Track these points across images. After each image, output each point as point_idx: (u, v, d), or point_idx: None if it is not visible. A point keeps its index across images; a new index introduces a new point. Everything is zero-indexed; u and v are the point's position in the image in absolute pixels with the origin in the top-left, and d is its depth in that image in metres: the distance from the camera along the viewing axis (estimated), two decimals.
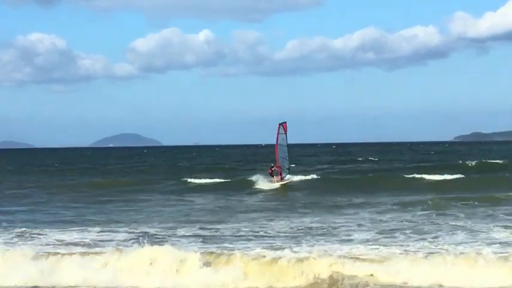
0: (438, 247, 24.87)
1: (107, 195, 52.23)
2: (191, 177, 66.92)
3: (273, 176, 56.61)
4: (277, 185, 55.67)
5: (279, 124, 57.60)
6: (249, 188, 55.79)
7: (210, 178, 67.55)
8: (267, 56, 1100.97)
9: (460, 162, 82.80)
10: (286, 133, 57.51)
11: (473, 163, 78.82)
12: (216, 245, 26.78)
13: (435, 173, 61.94)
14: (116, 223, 34.79)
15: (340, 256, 22.30)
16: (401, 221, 33.29)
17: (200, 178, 66.91)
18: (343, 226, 31.76)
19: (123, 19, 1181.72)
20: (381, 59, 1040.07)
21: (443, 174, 61.54)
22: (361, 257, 22.30)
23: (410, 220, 33.79)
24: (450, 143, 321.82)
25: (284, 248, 24.47)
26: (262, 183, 56.81)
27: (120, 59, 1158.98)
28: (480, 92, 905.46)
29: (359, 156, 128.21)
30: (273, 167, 57.22)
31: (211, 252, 23.55)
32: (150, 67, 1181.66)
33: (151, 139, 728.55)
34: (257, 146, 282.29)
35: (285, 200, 46.54)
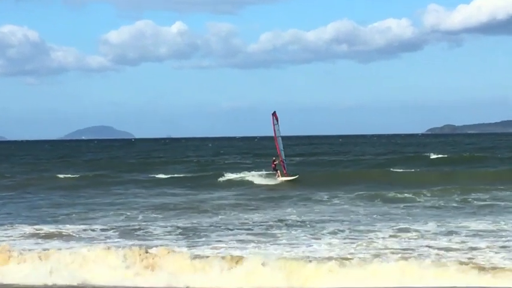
0: (411, 243, 25.26)
1: (79, 188, 52.25)
2: (163, 171, 66.99)
3: (276, 171, 53.65)
4: (280, 179, 52.97)
5: (272, 115, 54.30)
6: (221, 181, 55.94)
7: (183, 172, 67.71)
8: (241, 48, 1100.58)
9: (426, 155, 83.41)
10: (278, 123, 54.06)
11: (438, 156, 79.82)
12: (195, 239, 27.20)
13: (404, 166, 62.72)
14: (89, 215, 35.04)
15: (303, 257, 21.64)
16: (374, 214, 33.84)
17: (172, 172, 66.99)
18: (315, 219, 32.17)
19: (96, 11, 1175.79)
20: (354, 51, 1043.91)
21: (411, 167, 62.33)
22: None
23: (387, 212, 34.50)
24: (422, 136, 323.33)
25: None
26: (234, 176, 56.87)
27: (93, 51, 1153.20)
28: (453, 84, 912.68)
29: (331, 148, 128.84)
30: (275, 160, 54.28)
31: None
32: (123, 59, 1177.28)
33: (124, 131, 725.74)
34: (232, 138, 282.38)
35: (258, 193, 46.74)
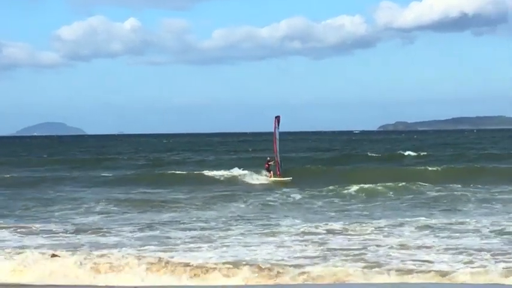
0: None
1: (29, 185, 51.58)
2: (116, 168, 66.44)
3: (269, 171, 52.50)
4: (272, 179, 51.75)
5: (275, 117, 53.77)
6: (176, 177, 55.71)
7: (136, 168, 67.28)
8: (194, 45, 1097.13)
9: (368, 153, 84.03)
10: (278, 127, 53.70)
11: (379, 154, 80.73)
12: (149, 233, 26.96)
13: (363, 163, 63.19)
14: (44, 211, 34.75)
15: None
16: (331, 210, 34.23)
17: (126, 168, 66.54)
18: (269, 216, 32.37)
19: (48, 6, 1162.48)
20: (307, 48, 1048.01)
21: (370, 163, 62.79)
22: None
23: (345, 208, 34.90)
24: (373, 132, 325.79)
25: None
26: (189, 172, 56.50)
27: (45, 47, 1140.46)
28: (405, 81, 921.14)
29: (286, 145, 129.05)
30: (269, 161, 53.04)
31: None
32: (75, 55, 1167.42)
33: (76, 128, 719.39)
34: (187, 135, 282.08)
35: (213, 189, 46.51)
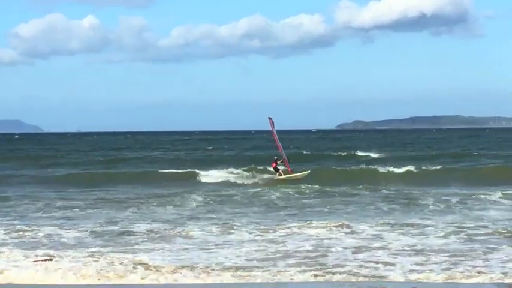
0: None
1: None
2: (70, 166, 65.75)
3: (277, 171, 51.02)
4: (283, 177, 50.50)
5: (269, 118, 52.97)
6: (134, 175, 55.33)
7: (92, 165, 66.63)
8: (153, 43, 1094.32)
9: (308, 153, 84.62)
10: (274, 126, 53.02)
11: (338, 153, 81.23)
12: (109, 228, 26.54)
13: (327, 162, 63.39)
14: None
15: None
16: (292, 208, 34.18)
17: (83, 165, 65.89)
18: (225, 216, 32.19)
19: (5, 3, 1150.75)
20: (266, 47, 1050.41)
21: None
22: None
23: (309, 205, 34.60)
24: (331, 131, 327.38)
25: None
26: (148, 170, 56.30)
27: (3, 44, 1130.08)
28: (363, 80, 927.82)
29: (243, 144, 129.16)
30: (277, 160, 51.89)
31: None
32: (33, 53, 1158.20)
33: (33, 125, 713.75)
34: (143, 133, 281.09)
35: (172, 186, 46.43)
